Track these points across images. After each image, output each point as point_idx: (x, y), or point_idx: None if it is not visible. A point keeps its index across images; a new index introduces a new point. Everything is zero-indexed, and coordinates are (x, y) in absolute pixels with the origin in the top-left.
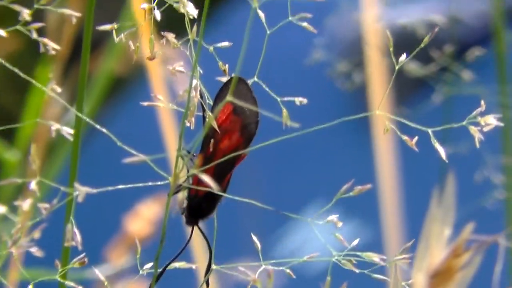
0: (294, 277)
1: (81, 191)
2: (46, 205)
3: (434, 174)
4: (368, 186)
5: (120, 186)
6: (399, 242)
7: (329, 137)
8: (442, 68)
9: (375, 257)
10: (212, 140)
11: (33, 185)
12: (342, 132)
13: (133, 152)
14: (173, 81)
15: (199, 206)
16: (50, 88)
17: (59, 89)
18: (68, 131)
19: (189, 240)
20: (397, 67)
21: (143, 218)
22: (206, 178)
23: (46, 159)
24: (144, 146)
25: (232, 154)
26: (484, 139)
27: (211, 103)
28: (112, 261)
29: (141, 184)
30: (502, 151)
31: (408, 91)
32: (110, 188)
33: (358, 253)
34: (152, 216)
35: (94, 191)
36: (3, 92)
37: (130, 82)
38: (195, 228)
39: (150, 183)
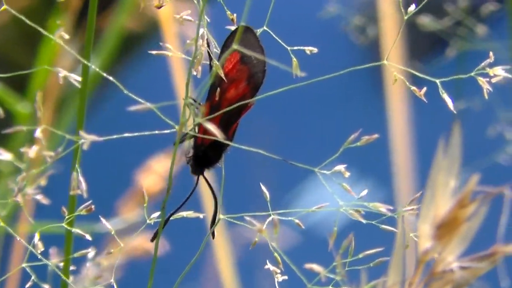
0: (302, 227)
1: (86, 139)
2: (51, 153)
3: (447, 129)
4: (375, 136)
5: (126, 135)
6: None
7: (342, 92)
8: (457, 23)
9: (381, 207)
10: (218, 89)
11: (38, 132)
12: (355, 88)
13: (140, 100)
14: (185, 35)
15: (205, 155)
16: (58, 36)
17: (67, 36)
18: (76, 78)
19: (194, 189)
20: (405, 17)
21: (155, 173)
22: (211, 127)
23: (57, 112)
24: (156, 99)
25: (239, 103)
26: (497, 95)
27: (219, 52)
28: (123, 216)
29: (147, 133)
30: None
31: (422, 47)
32: (116, 136)
33: (365, 204)
34: (164, 171)
35: (100, 139)
36: (16, 48)
37: (144, 39)
38: (202, 178)
39: (156, 132)
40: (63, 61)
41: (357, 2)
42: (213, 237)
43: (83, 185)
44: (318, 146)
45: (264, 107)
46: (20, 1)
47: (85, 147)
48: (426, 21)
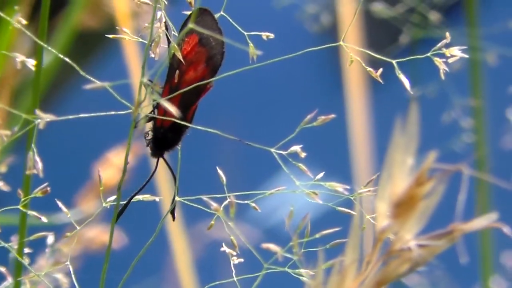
0: (259, 210)
1: (42, 118)
2: (8, 132)
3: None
4: (331, 116)
5: (82, 115)
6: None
7: (300, 80)
8: (410, 10)
9: (338, 187)
10: (177, 71)
11: None
12: (313, 75)
13: (95, 80)
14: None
15: (164, 137)
16: (16, 20)
17: (24, 21)
18: (32, 63)
19: (154, 172)
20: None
21: (113, 166)
22: (169, 106)
23: (13, 100)
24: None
25: (197, 84)
26: (452, 82)
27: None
28: (80, 207)
29: (103, 113)
30: (469, 94)
31: (378, 34)
32: (71, 116)
33: (322, 183)
34: (121, 164)
35: (56, 118)
36: None
37: (100, 35)
38: (161, 160)
39: (112, 112)
40: (19, 49)
41: None
42: (174, 219)
43: (39, 164)
44: (276, 130)
45: (223, 93)
46: None
47: (41, 126)
48: (380, 8)
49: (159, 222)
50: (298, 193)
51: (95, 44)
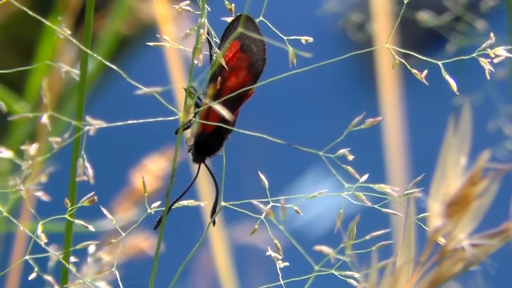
0: (301, 213)
1: (92, 124)
2: (58, 139)
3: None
4: (379, 118)
5: (131, 122)
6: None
7: (337, 86)
8: (456, 18)
9: (387, 189)
10: (219, 78)
11: (44, 118)
12: (350, 82)
13: (141, 87)
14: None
15: (206, 143)
16: (60, 29)
17: (68, 32)
18: (76, 72)
19: (196, 177)
20: (402, 10)
21: (150, 173)
22: (221, 109)
23: (57, 109)
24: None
25: (240, 90)
26: (497, 90)
27: (218, 42)
28: (118, 215)
29: (151, 120)
30: None
31: (421, 43)
32: (120, 123)
33: (371, 185)
34: (159, 171)
35: (106, 125)
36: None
37: (140, 41)
38: (203, 166)
39: (160, 118)
40: (62, 59)
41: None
42: (214, 225)
43: (90, 171)
44: (317, 135)
45: (261, 97)
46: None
47: (91, 132)
48: (425, 17)
49: (194, 225)
50: (345, 195)
51: (132, 51)
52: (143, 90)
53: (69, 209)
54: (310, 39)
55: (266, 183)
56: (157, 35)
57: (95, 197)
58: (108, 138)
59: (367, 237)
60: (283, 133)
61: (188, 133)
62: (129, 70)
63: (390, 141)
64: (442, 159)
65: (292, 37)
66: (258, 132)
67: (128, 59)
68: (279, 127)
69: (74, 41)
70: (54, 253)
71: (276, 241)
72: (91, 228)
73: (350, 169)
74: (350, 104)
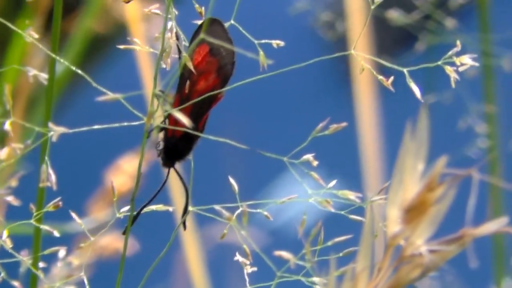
0: (271, 219)
1: (55, 130)
2: (21, 145)
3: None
4: (344, 124)
5: (96, 127)
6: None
7: (310, 88)
8: (425, 17)
9: (351, 195)
10: (188, 81)
11: (7, 125)
12: (323, 83)
13: (107, 92)
14: (152, 35)
15: (176, 147)
16: (28, 34)
17: (36, 35)
18: (44, 77)
19: (165, 182)
20: (372, 7)
21: (124, 173)
22: (181, 116)
23: (26, 113)
24: (124, 93)
25: (208, 94)
26: (467, 88)
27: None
28: (92, 215)
29: (116, 125)
30: (484, 100)
31: (391, 42)
32: (85, 128)
33: (334, 192)
34: (133, 171)
35: (69, 131)
36: None
37: (111, 41)
38: (172, 170)
39: (125, 123)
40: (31, 62)
41: None
42: (185, 228)
43: (53, 177)
44: (287, 139)
45: (234, 101)
46: None
47: (54, 139)
48: (395, 15)
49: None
50: (311, 201)
51: (105, 50)
52: (107, 96)
53: (35, 214)
54: (281, 43)
55: (236, 187)
56: (127, 38)
57: (60, 203)
58: (83, 138)
59: (329, 243)
60: (260, 135)
61: (158, 137)
62: (103, 71)
63: (366, 143)
64: (400, 165)
65: (263, 41)
66: (232, 135)
67: (103, 58)
68: (257, 129)
69: (40, 46)
70: (22, 258)
71: (245, 246)
72: (56, 233)
73: (314, 175)
74: (327, 104)
